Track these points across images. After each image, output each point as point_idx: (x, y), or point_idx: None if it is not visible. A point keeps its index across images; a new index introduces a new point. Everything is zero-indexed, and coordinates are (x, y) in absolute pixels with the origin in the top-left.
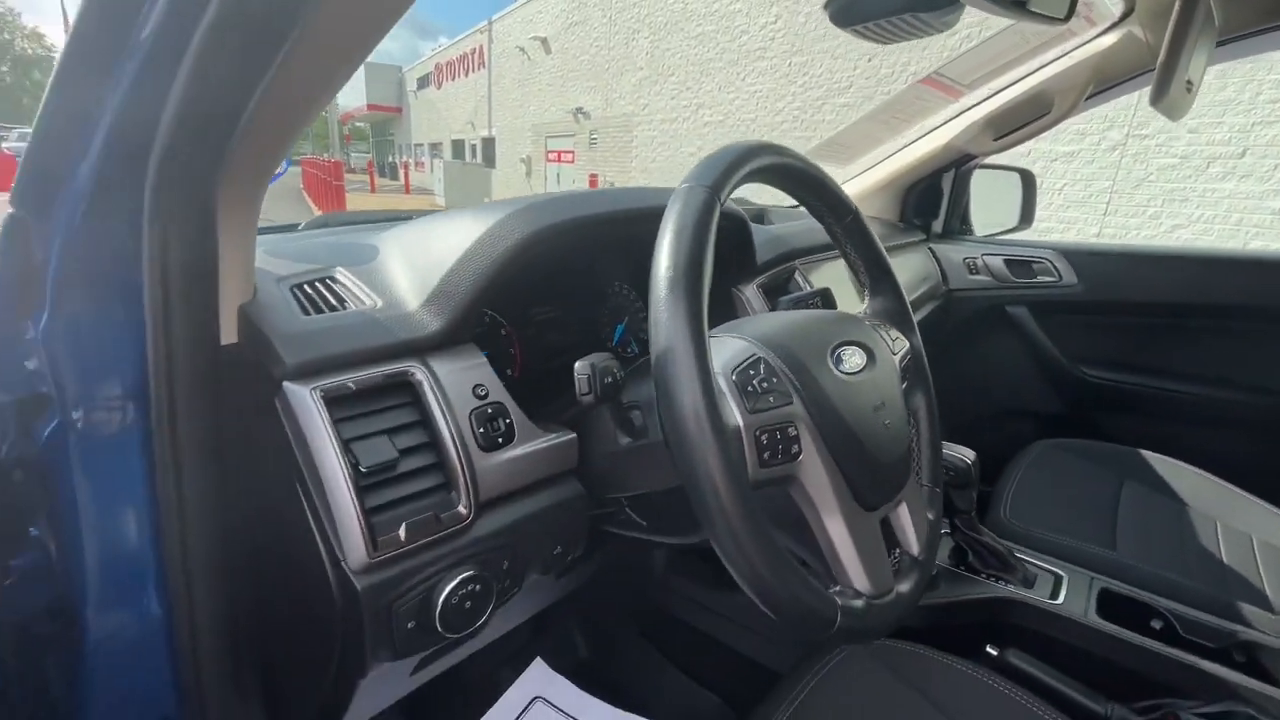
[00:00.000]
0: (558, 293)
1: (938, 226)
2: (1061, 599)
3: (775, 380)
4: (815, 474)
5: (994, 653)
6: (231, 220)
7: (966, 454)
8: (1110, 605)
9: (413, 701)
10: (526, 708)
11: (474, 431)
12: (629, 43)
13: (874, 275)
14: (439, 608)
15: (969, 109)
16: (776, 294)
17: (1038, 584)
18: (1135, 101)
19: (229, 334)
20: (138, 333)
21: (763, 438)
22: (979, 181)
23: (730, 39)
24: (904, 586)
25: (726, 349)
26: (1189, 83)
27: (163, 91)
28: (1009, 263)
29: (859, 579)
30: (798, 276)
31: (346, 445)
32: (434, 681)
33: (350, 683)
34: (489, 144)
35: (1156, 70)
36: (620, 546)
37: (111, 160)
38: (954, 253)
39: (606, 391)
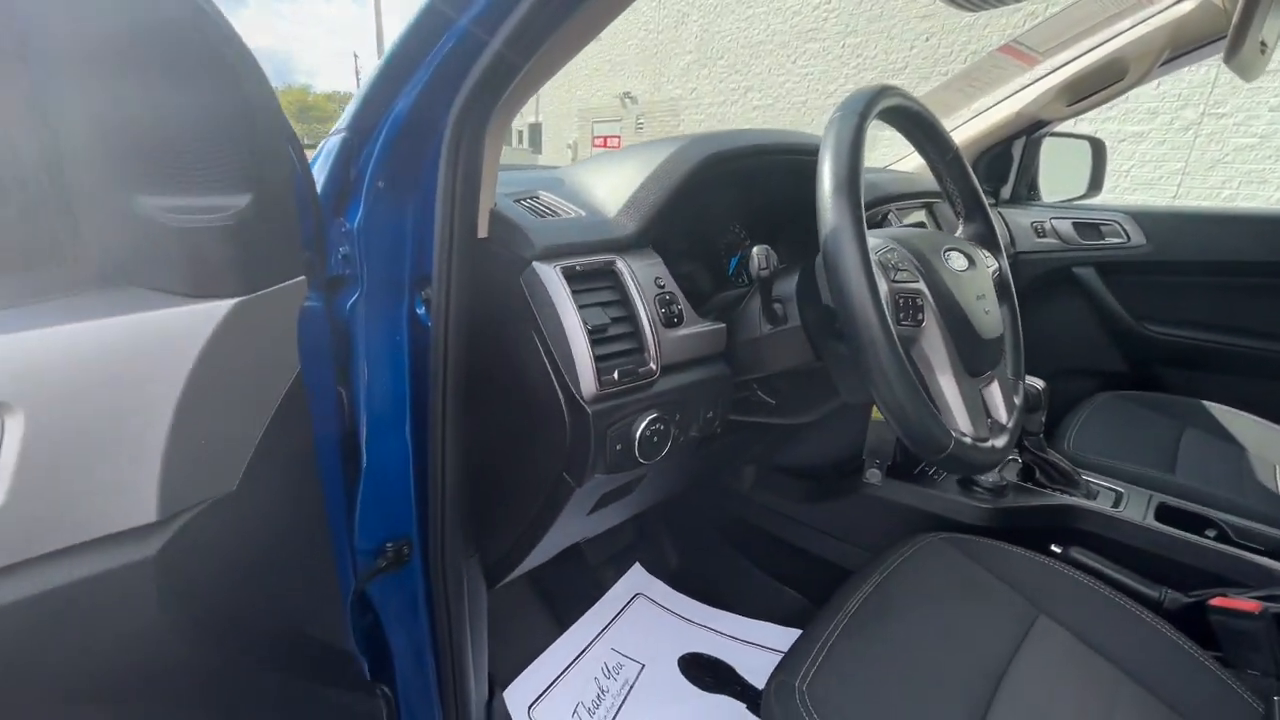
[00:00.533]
0: (688, 229)
1: (1006, 192)
2: (1122, 509)
3: (906, 263)
4: (933, 338)
5: (1058, 550)
6: (491, 144)
7: (1037, 382)
8: (1167, 516)
9: (541, 591)
10: (629, 602)
11: (657, 312)
12: (678, 26)
13: (969, 205)
14: (636, 439)
15: (1043, 77)
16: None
17: (1099, 498)
18: (1212, 78)
19: (482, 230)
20: (427, 227)
21: (900, 301)
22: (1049, 150)
23: (782, 20)
24: (997, 442)
25: (870, 239)
26: (1263, 43)
27: (477, 49)
28: (1077, 225)
29: (964, 425)
30: (891, 217)
31: (579, 309)
32: (554, 577)
33: (559, 502)
34: (535, 130)
35: (1231, 28)
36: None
37: (428, 94)
38: (1022, 217)
39: (775, 271)
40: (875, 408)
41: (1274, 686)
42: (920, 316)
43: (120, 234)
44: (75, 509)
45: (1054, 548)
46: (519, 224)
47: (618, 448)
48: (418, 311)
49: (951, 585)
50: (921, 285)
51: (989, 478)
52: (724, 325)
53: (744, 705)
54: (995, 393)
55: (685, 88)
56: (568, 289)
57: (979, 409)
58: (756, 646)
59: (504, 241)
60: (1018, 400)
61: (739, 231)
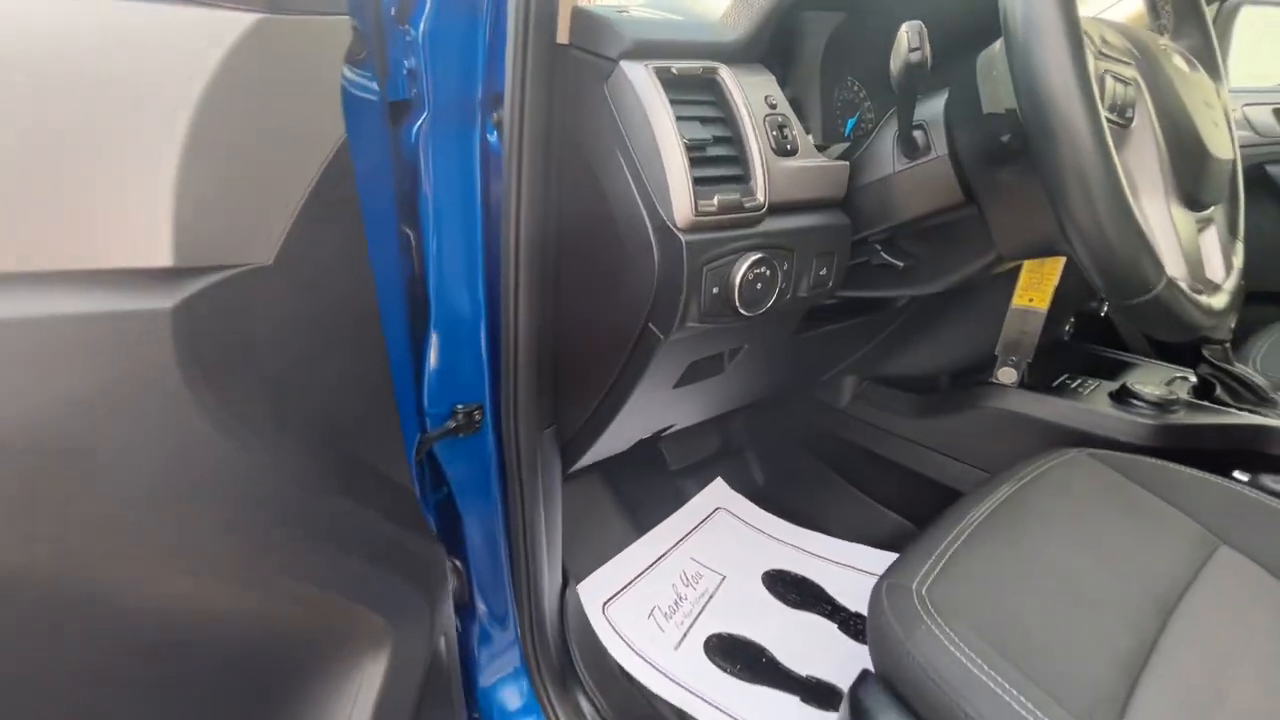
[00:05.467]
0: (803, 57)
1: None
2: None
3: (1117, 44)
4: (1144, 147)
5: (1244, 478)
6: None
7: None
8: None
9: (618, 493)
10: (710, 515)
11: (767, 134)
12: None
13: (1180, 12)
14: (736, 283)
15: None
16: None
17: None
18: None
19: (563, 34)
20: (500, 32)
21: (1107, 84)
22: (1246, 22)
23: None
24: (1215, 301)
25: None
26: None
27: None
28: (1278, 112)
29: (1176, 267)
30: None
31: (674, 119)
32: (631, 480)
33: (643, 361)
34: None
35: None
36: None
37: None
38: None
39: (924, 68)
40: (1018, 292)
41: None
42: (1130, 114)
43: None
44: (76, 223)
45: (1237, 474)
46: (605, 18)
47: (714, 290)
48: (489, 138)
49: (1105, 504)
50: (1135, 73)
51: (1155, 391)
52: (846, 164)
53: (834, 625)
54: (1212, 242)
55: None
56: (661, 93)
57: (1195, 252)
58: (851, 569)
59: (587, 42)
60: (1237, 263)
61: (857, 89)
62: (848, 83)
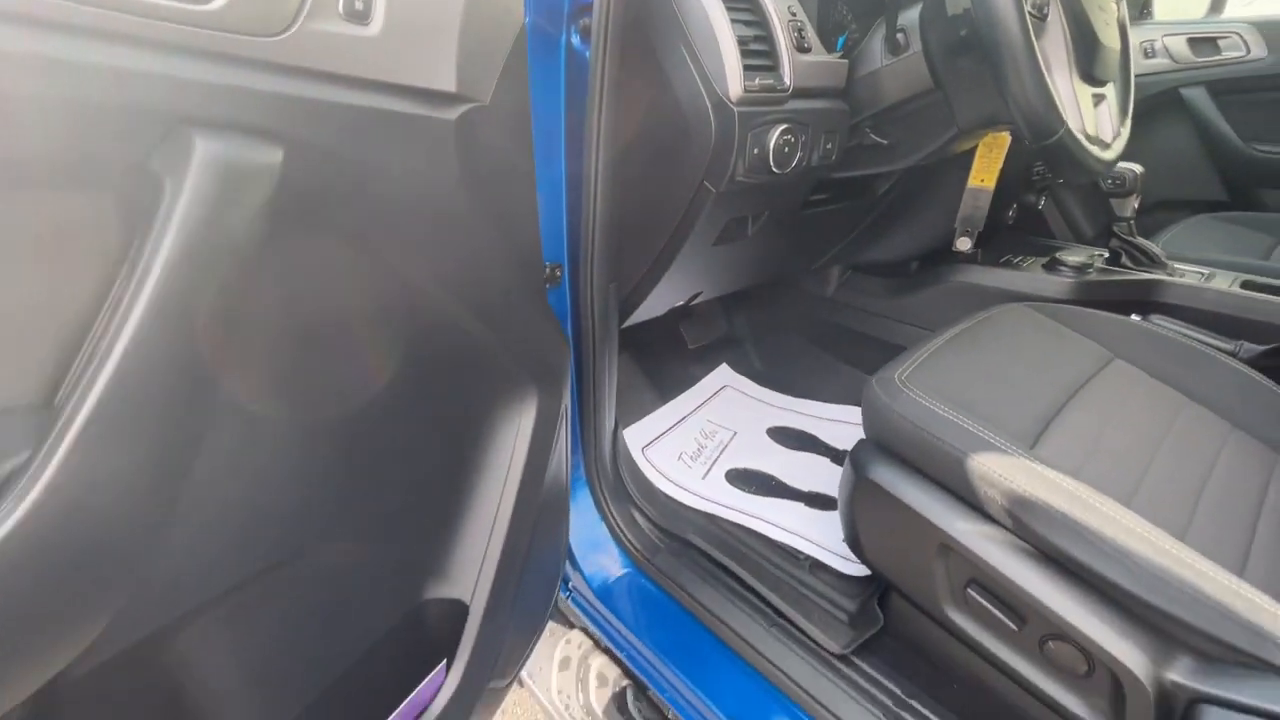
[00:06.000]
0: None
1: None
2: (1206, 283)
3: None
4: (1055, 37)
5: (1138, 318)
6: None
7: (1134, 166)
8: (1251, 288)
9: (644, 370)
10: (718, 391)
11: (791, 35)
12: None
13: None
14: (771, 146)
15: None
16: None
17: (1185, 278)
18: None
19: None
20: None
21: None
22: None
23: None
24: (1104, 153)
25: None
26: None
27: None
28: (1192, 41)
29: (1075, 121)
30: None
31: (728, 18)
32: (654, 360)
33: (696, 214)
34: None
35: None
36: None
37: None
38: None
39: None
40: (972, 175)
41: None
42: (1046, 11)
43: None
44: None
45: (1134, 316)
46: None
47: (755, 151)
48: (573, 41)
49: (1034, 333)
50: None
51: (1077, 259)
52: (846, 60)
53: (828, 459)
54: (1105, 113)
55: None
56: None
57: (1091, 115)
58: (839, 422)
59: None
60: (1124, 131)
61: (845, 11)
62: (838, 5)
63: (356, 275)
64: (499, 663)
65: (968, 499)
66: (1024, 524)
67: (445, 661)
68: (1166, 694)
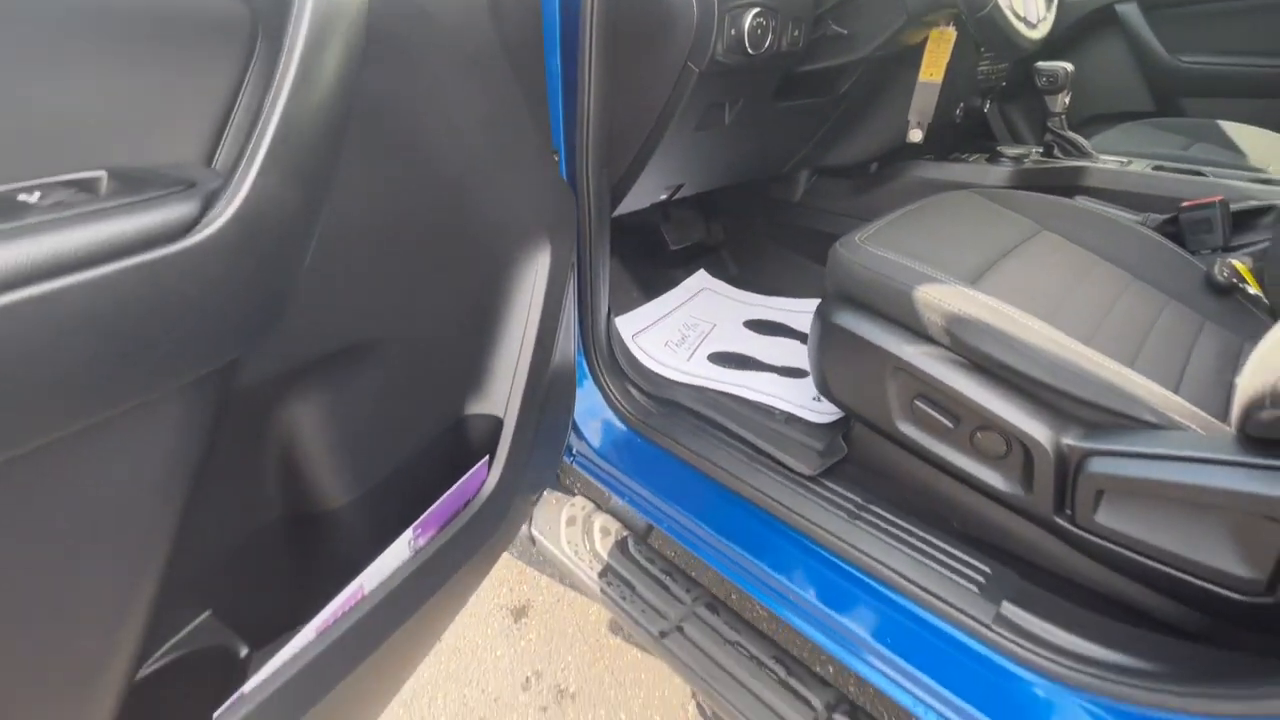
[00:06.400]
0: None
1: None
2: (1125, 168)
3: None
4: None
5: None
6: None
7: (1066, 65)
8: (1164, 170)
9: (629, 270)
10: (697, 293)
11: None
12: None
13: None
14: (746, 28)
15: None
16: None
17: (1108, 164)
18: None
19: None
20: None
21: None
22: None
23: None
24: (1031, 32)
25: None
26: None
27: None
28: None
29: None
30: None
31: None
32: (636, 258)
33: (680, 95)
34: None
35: None
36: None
37: None
38: None
39: None
40: (921, 70)
41: (1221, 259)
42: None
43: None
44: None
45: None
46: None
47: (732, 33)
48: None
49: (975, 210)
50: None
51: (1015, 151)
52: None
53: (798, 341)
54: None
55: None
56: None
57: None
58: (809, 314)
59: None
60: (1049, 16)
61: None
62: None
63: (419, 115)
64: (528, 474)
65: (914, 327)
66: (959, 339)
67: (488, 459)
68: (1063, 456)
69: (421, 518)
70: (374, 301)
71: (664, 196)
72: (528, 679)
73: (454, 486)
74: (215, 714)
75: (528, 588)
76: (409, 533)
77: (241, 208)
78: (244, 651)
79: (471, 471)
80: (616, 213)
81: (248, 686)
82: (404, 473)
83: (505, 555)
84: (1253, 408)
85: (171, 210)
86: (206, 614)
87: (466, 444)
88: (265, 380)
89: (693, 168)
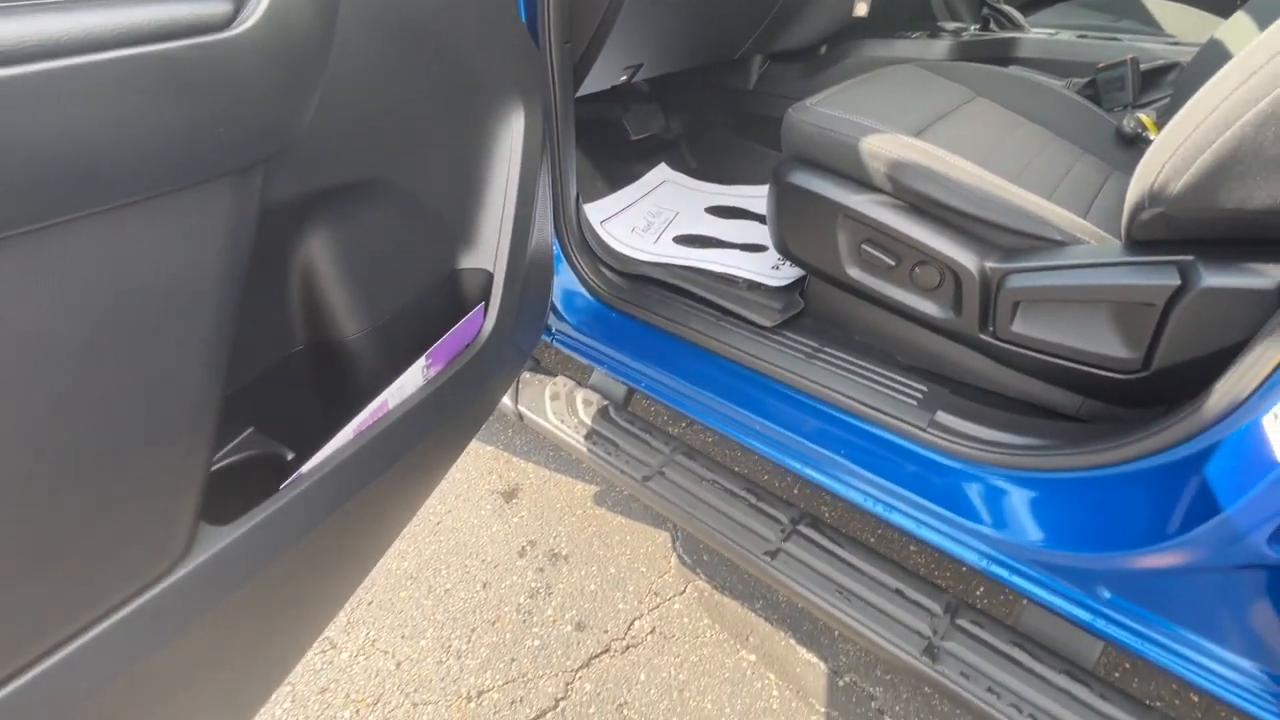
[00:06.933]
0: None
1: None
2: (1056, 38)
3: None
4: None
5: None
6: None
7: None
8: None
9: (592, 161)
10: (659, 185)
11: None
12: None
13: None
14: None
15: None
16: None
17: (1038, 35)
18: None
19: None
20: None
21: None
22: None
23: None
24: None
25: None
26: None
27: None
28: None
29: None
30: None
31: None
32: (600, 151)
33: None
34: None
35: None
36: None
37: None
38: None
39: None
40: None
41: (1132, 115)
42: None
43: None
44: None
45: (998, 68)
46: None
47: None
48: None
49: (917, 80)
50: None
51: (954, 25)
52: None
53: (757, 222)
54: None
55: None
56: None
57: None
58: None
59: None
60: None
61: None
62: None
63: None
64: (518, 326)
65: (860, 178)
66: (899, 183)
67: (483, 306)
68: (987, 278)
69: (432, 348)
70: (371, 140)
71: (624, 78)
72: (523, 548)
73: (456, 325)
74: (282, 485)
75: (515, 474)
76: (423, 360)
77: (270, 7)
78: (290, 456)
79: (469, 316)
80: (580, 93)
81: (306, 467)
82: (410, 314)
83: (491, 444)
84: (1135, 212)
85: (209, 4)
86: (250, 430)
87: (462, 294)
88: (285, 203)
89: (650, 44)
